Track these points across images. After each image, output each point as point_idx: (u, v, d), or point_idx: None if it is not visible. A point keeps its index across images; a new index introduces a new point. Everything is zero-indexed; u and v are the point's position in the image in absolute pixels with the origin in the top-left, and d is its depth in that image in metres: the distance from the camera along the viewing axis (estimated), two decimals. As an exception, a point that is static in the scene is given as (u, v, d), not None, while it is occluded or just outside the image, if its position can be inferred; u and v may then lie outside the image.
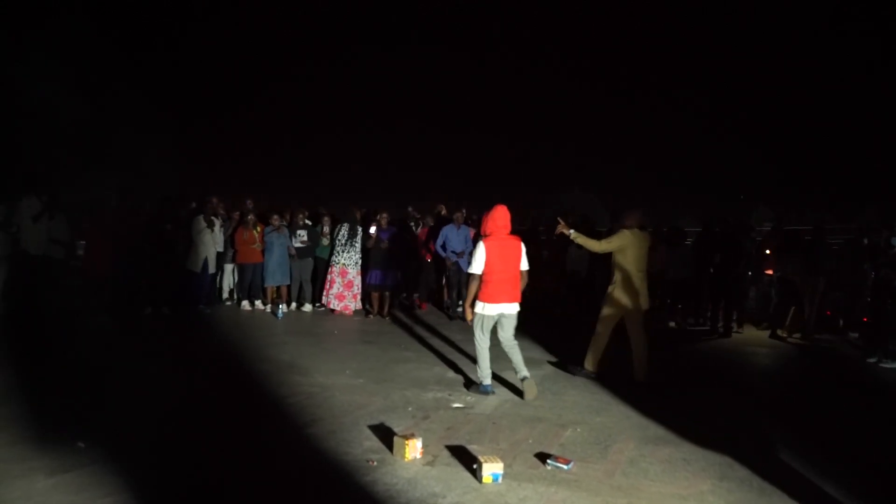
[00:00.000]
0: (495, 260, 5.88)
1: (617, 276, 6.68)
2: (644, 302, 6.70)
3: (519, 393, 6.04)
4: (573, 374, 6.91)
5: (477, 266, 5.90)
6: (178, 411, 5.24)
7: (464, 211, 11.05)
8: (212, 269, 10.16)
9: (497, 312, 6.00)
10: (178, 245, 9.76)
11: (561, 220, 6.90)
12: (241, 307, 10.66)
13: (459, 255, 10.44)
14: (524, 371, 6.06)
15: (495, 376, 6.38)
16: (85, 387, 5.85)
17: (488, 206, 6.10)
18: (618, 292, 6.66)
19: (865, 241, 9.85)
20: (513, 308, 6.05)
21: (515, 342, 6.16)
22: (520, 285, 6.08)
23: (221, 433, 4.74)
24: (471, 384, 6.33)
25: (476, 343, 6.17)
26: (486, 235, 5.97)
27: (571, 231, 6.74)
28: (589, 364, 6.85)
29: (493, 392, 6.10)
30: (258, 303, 10.75)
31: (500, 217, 5.96)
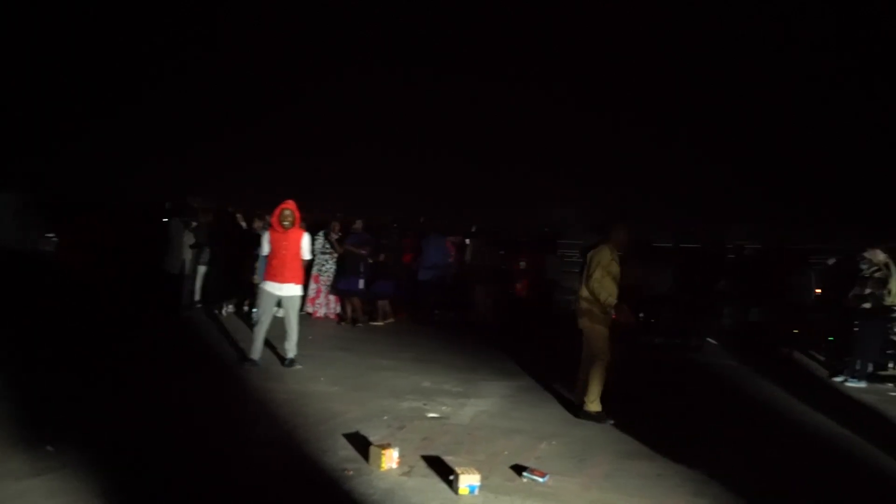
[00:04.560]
0: (276, 247, 7.03)
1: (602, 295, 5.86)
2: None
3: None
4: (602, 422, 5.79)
5: (263, 249, 7.21)
6: (149, 417, 5.13)
7: (438, 224, 11.27)
8: (188, 270, 10.03)
9: (275, 291, 7.03)
10: (155, 247, 9.64)
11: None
12: (214, 311, 10.52)
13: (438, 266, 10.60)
14: (292, 353, 7.20)
15: (470, 385, 6.38)
16: (59, 389, 5.73)
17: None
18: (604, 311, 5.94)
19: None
20: (291, 290, 7.11)
21: (295, 325, 7.17)
22: (301, 271, 7.23)
23: (194, 441, 4.66)
24: (245, 359, 7.10)
25: (257, 318, 7.27)
26: (271, 227, 7.18)
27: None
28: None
29: (258, 365, 6.98)
30: (231, 306, 10.62)
31: (276, 214, 7.07)
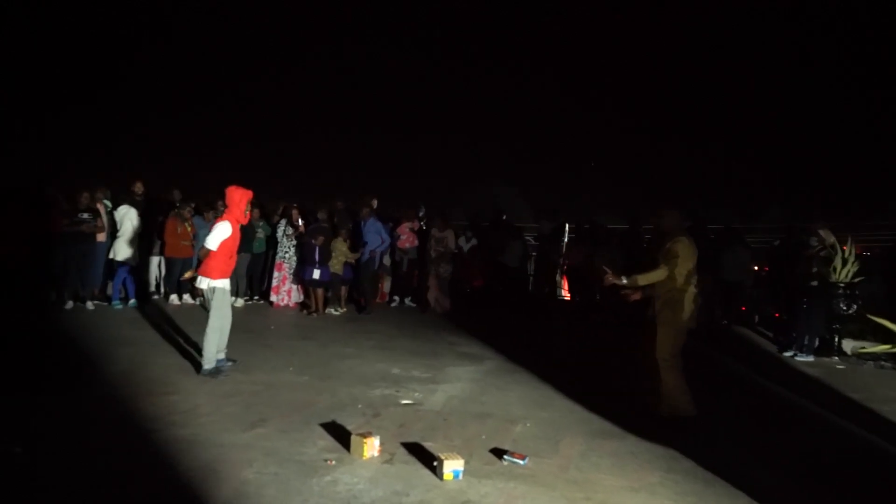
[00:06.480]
0: (233, 240, 6.20)
1: (675, 293, 5.47)
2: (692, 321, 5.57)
3: None
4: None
5: (214, 243, 6.08)
6: (107, 417, 4.95)
7: (373, 204, 11.16)
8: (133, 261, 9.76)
9: (230, 289, 6.35)
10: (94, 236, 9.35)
11: (608, 269, 5.78)
12: (169, 301, 10.26)
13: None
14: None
15: (438, 370, 6.42)
16: None
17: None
18: (680, 311, 5.48)
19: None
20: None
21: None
22: None
23: (162, 438, 4.55)
24: (216, 372, 6.15)
25: (216, 324, 6.18)
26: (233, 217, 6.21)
27: (624, 279, 5.63)
28: (690, 408, 5.47)
29: (226, 375, 6.13)
30: (186, 296, 10.39)
31: (243, 203, 6.21)
